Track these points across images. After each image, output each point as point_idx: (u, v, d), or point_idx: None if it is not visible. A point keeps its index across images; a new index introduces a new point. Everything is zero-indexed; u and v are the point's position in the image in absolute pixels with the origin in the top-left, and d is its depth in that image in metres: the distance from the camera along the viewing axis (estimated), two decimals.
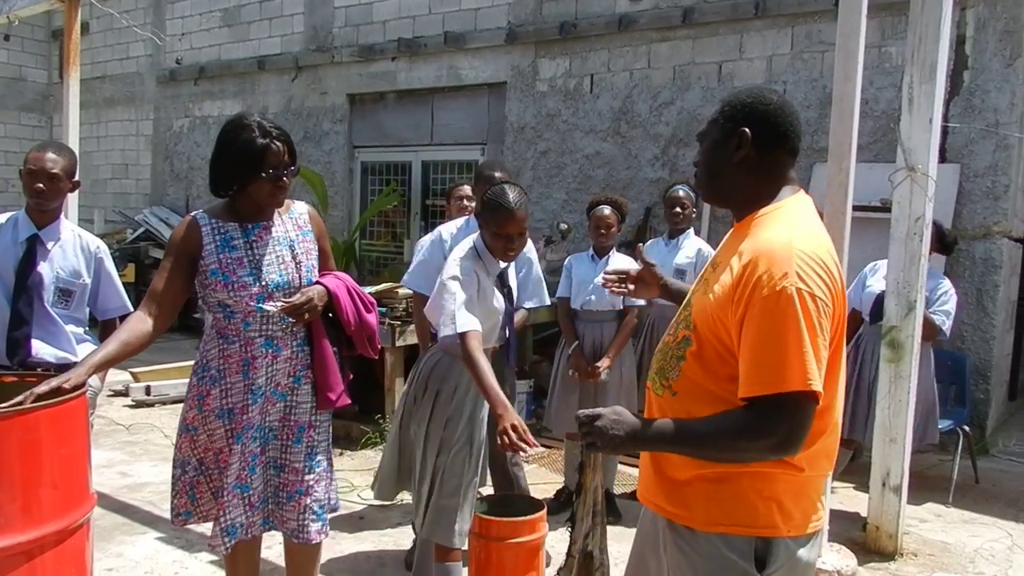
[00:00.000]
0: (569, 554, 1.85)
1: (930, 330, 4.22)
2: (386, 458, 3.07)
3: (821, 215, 1.97)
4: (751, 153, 1.60)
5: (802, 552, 1.60)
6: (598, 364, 4.07)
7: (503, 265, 2.93)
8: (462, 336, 2.59)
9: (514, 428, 2.37)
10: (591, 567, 1.86)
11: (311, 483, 2.50)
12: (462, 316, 2.62)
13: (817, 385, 1.45)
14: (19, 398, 2.02)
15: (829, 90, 3.75)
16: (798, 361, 1.44)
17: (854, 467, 4.60)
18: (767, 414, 1.46)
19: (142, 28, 9.24)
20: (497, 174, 3.67)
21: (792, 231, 1.53)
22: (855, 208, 3.58)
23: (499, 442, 2.40)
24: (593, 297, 4.33)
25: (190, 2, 10.28)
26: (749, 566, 1.56)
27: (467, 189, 4.15)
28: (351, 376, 2.65)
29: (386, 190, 8.55)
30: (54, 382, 2.09)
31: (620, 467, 4.62)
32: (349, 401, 2.60)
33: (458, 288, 2.67)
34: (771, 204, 1.62)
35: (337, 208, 8.91)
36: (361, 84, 8.76)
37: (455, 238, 3.60)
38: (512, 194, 2.76)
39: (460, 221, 3.80)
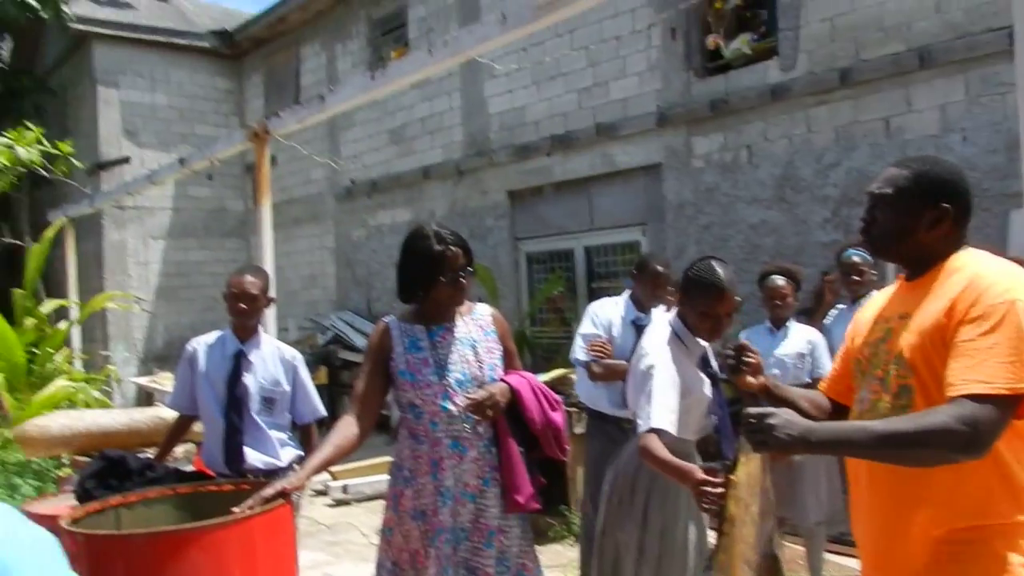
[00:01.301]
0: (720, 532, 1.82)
1: None
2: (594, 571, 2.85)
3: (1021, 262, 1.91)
4: (949, 228, 1.68)
5: None
6: None
7: (704, 346, 2.81)
8: (647, 431, 2.46)
9: (706, 481, 2.19)
10: (777, 568, 1.88)
11: None
12: (657, 410, 2.48)
13: None
14: (247, 502, 2.18)
15: (1015, 132, 3.50)
16: (1020, 366, 1.46)
17: None
18: (977, 412, 1.44)
19: (321, 155, 10.16)
20: (659, 266, 3.87)
21: (1000, 265, 1.61)
22: None
23: (698, 503, 2.20)
24: (776, 372, 4.16)
25: (360, 127, 11.20)
26: None
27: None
28: (542, 481, 2.61)
29: (551, 277, 8.72)
30: (278, 485, 2.26)
31: (826, 556, 4.29)
32: (538, 506, 2.56)
33: (659, 377, 2.54)
34: (955, 256, 1.68)
35: (505, 299, 9.17)
36: (519, 181, 9.12)
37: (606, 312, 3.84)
38: (723, 271, 2.62)
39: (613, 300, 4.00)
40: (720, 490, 2.07)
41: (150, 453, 3.54)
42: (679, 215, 7.59)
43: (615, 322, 3.97)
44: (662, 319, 2.85)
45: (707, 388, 2.74)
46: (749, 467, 1.81)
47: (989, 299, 1.52)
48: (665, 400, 2.51)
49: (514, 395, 2.54)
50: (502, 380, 2.57)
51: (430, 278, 2.50)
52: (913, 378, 1.60)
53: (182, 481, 2.80)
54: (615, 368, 3.72)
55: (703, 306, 2.62)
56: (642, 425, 2.51)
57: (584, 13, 5.94)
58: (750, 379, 2.19)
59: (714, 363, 2.91)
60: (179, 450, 3.69)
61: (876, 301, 1.90)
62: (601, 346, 3.76)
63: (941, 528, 1.55)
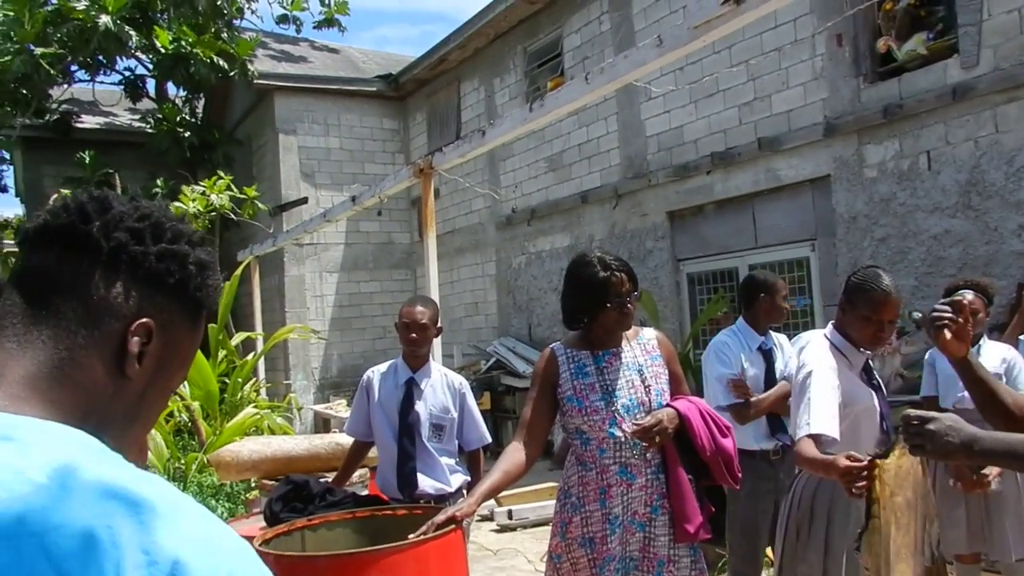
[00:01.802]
0: (869, 515, 1.79)
1: None
2: None
3: None
4: None
5: None
6: (985, 472, 3.52)
7: (866, 356, 2.71)
8: (804, 437, 2.38)
9: (849, 466, 2.08)
10: (943, 573, 1.84)
11: None
12: (816, 415, 2.40)
13: None
14: (422, 530, 2.25)
15: None
16: None
17: None
18: None
19: (481, 186, 10.45)
20: (770, 279, 3.85)
21: None
22: None
23: (846, 488, 2.09)
24: (966, 394, 3.82)
25: (518, 157, 11.44)
26: None
27: None
28: (712, 509, 2.56)
29: (715, 298, 8.47)
30: (450, 511, 2.32)
31: None
32: (709, 536, 2.51)
33: (817, 382, 2.47)
34: None
35: (667, 321, 9.00)
36: (678, 201, 8.96)
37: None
38: (886, 277, 2.59)
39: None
40: (864, 472, 1.98)
41: (329, 477, 3.73)
42: (851, 228, 7.18)
43: (742, 355, 3.78)
44: (816, 335, 2.74)
45: (874, 399, 2.64)
46: (901, 460, 1.76)
47: None
48: (824, 405, 2.42)
49: (682, 421, 2.49)
50: (669, 405, 2.52)
51: (596, 304, 2.50)
52: None
53: (360, 505, 2.93)
54: (763, 402, 3.54)
55: (867, 310, 2.56)
56: (800, 432, 2.43)
57: (743, 27, 5.78)
58: (953, 341, 2.05)
59: (877, 375, 2.82)
60: (355, 475, 3.86)
61: None
62: (743, 385, 3.58)
63: None
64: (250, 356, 8.72)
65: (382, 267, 13.93)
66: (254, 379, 8.66)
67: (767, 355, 3.82)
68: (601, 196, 9.96)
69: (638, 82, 4.22)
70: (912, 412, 1.55)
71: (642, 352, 2.60)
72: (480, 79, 12.34)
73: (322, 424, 11.20)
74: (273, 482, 4.05)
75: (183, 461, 5.98)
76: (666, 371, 2.60)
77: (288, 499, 2.98)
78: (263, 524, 2.94)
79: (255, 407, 7.06)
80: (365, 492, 3.74)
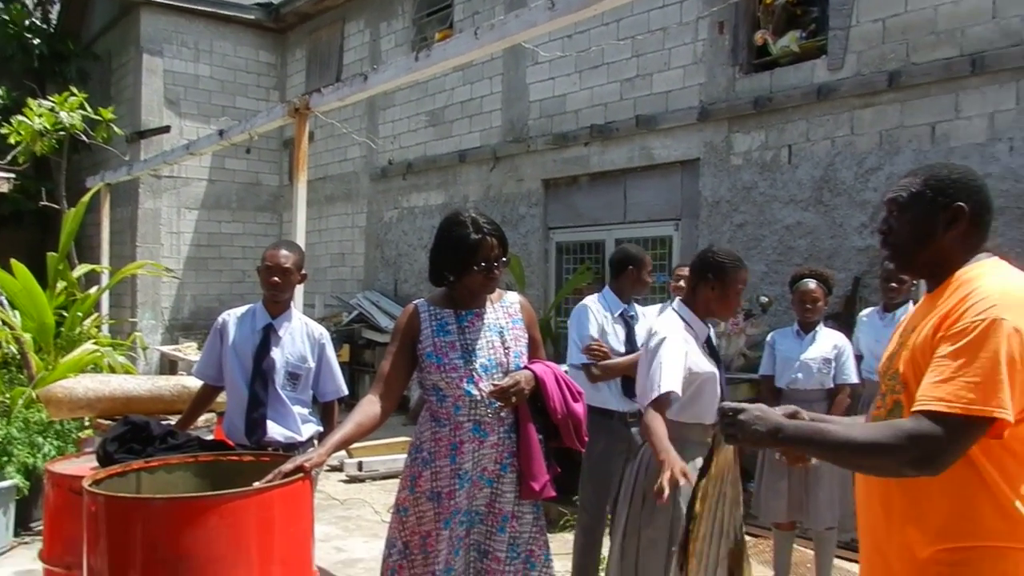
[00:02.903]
0: (690, 514, 1.93)
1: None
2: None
3: None
4: (966, 228, 1.64)
5: None
6: None
7: (708, 330, 2.93)
8: (655, 400, 2.60)
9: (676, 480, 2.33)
10: (743, 553, 2.01)
11: (510, 574, 2.50)
12: (667, 375, 2.62)
13: (1005, 414, 1.41)
14: (268, 477, 2.19)
15: None
16: (991, 387, 1.41)
17: None
18: (932, 431, 1.42)
19: (359, 134, 10.17)
20: (640, 254, 4.01)
21: (1003, 281, 1.56)
22: None
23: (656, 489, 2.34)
24: (800, 375, 4.11)
25: (399, 108, 11.20)
26: None
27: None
28: (558, 469, 2.63)
29: (580, 268, 8.67)
30: (299, 460, 2.26)
31: (836, 561, 4.25)
32: (554, 493, 2.58)
33: (669, 346, 2.69)
34: (969, 265, 1.64)
35: (533, 287, 9.14)
36: (555, 169, 9.06)
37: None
38: (731, 249, 2.93)
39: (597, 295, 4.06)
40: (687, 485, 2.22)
41: (172, 420, 3.57)
42: (714, 212, 7.50)
43: (606, 320, 3.95)
44: (665, 310, 2.99)
45: (715, 370, 2.86)
46: (720, 456, 1.92)
47: (971, 315, 1.48)
48: (676, 368, 2.65)
49: (538, 383, 2.54)
50: (527, 368, 2.56)
51: (464, 265, 2.49)
52: (904, 394, 1.58)
53: (203, 450, 2.81)
54: (614, 367, 3.72)
55: (727, 282, 2.83)
56: (652, 393, 2.62)
57: (632, 3, 5.87)
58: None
59: (723, 353, 3.11)
60: (200, 419, 3.71)
61: (908, 314, 1.90)
62: (598, 348, 3.73)
63: (928, 549, 1.52)
64: (93, 290, 8.15)
65: (247, 208, 13.37)
66: (96, 314, 8.10)
67: (628, 322, 3.96)
68: (479, 157, 9.93)
69: (527, 44, 4.20)
70: (726, 405, 1.63)
71: (504, 315, 2.62)
72: (366, 21, 11.95)
73: (169, 366, 10.73)
74: (110, 422, 3.82)
75: (8, 395, 5.55)
76: (526, 335, 2.64)
77: (125, 440, 2.82)
78: (95, 464, 2.77)
79: (95, 344, 6.61)
80: (211, 437, 3.60)
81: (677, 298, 3.07)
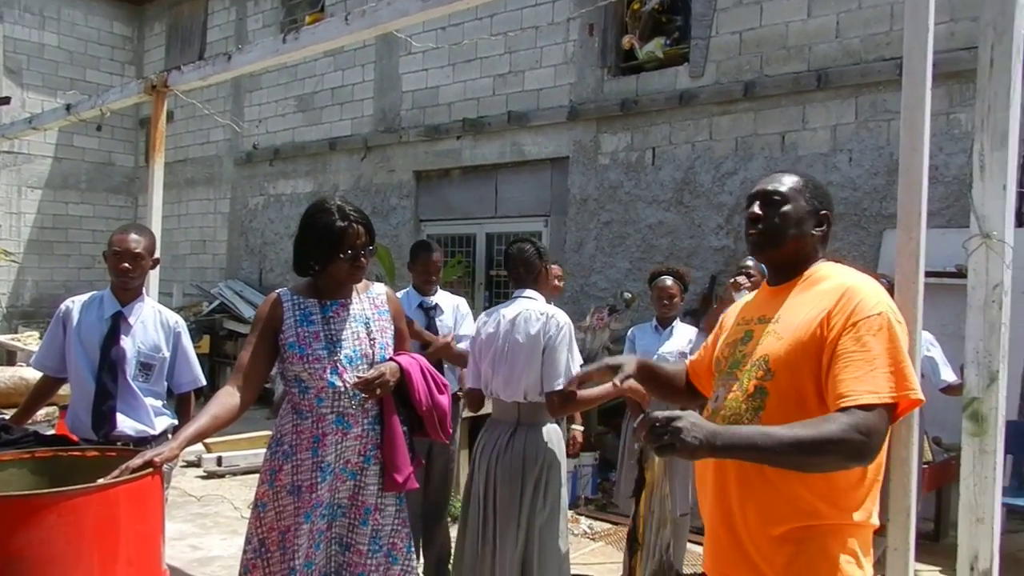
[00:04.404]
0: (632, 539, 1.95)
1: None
2: (469, 556, 3.01)
3: (892, 286, 2.07)
4: (825, 232, 1.85)
5: None
6: None
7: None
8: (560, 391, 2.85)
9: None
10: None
11: (372, 567, 2.48)
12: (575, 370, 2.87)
13: (917, 394, 1.57)
14: (114, 474, 2.07)
15: (896, 157, 3.71)
16: (901, 374, 1.56)
17: (938, 548, 4.36)
18: (869, 420, 1.52)
19: (222, 116, 9.75)
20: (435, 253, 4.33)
21: (863, 279, 1.72)
22: (929, 274, 3.48)
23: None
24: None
25: (267, 91, 10.82)
26: None
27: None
28: (422, 461, 2.63)
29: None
30: (148, 454, 2.15)
31: (690, 546, 4.47)
32: (416, 485, 2.58)
33: (573, 342, 2.97)
34: (816, 264, 1.82)
35: (404, 279, 9.08)
36: (427, 162, 9.03)
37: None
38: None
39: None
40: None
41: (8, 415, 3.32)
42: (581, 209, 7.70)
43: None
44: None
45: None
46: (656, 469, 1.89)
47: (865, 311, 1.61)
48: (576, 360, 2.95)
49: (403, 375, 2.53)
50: (393, 359, 2.54)
51: (329, 254, 2.44)
52: (771, 382, 1.68)
53: (42, 445, 2.64)
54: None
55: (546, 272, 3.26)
56: (557, 385, 2.86)
57: None
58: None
59: (587, 346, 3.55)
60: (40, 413, 3.47)
61: (740, 304, 2.02)
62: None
63: (779, 527, 1.63)
64: None
65: (97, 189, 12.56)
66: None
67: (427, 312, 4.21)
68: (350, 145, 9.75)
69: (399, 32, 4.17)
70: (657, 414, 1.49)
71: (371, 306, 2.60)
72: (232, 0, 11.47)
73: (6, 357, 9.93)
74: None
75: None
76: (392, 327, 2.62)
77: None
78: None
79: None
80: (51, 432, 3.37)
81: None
